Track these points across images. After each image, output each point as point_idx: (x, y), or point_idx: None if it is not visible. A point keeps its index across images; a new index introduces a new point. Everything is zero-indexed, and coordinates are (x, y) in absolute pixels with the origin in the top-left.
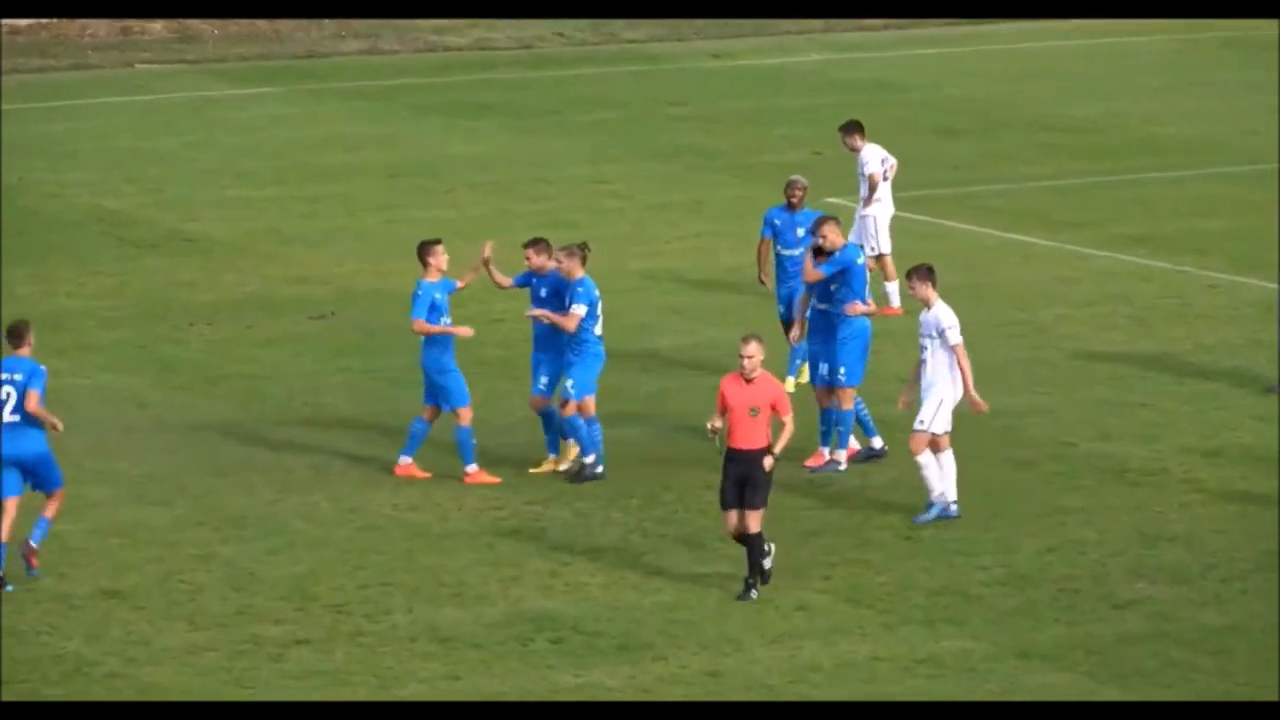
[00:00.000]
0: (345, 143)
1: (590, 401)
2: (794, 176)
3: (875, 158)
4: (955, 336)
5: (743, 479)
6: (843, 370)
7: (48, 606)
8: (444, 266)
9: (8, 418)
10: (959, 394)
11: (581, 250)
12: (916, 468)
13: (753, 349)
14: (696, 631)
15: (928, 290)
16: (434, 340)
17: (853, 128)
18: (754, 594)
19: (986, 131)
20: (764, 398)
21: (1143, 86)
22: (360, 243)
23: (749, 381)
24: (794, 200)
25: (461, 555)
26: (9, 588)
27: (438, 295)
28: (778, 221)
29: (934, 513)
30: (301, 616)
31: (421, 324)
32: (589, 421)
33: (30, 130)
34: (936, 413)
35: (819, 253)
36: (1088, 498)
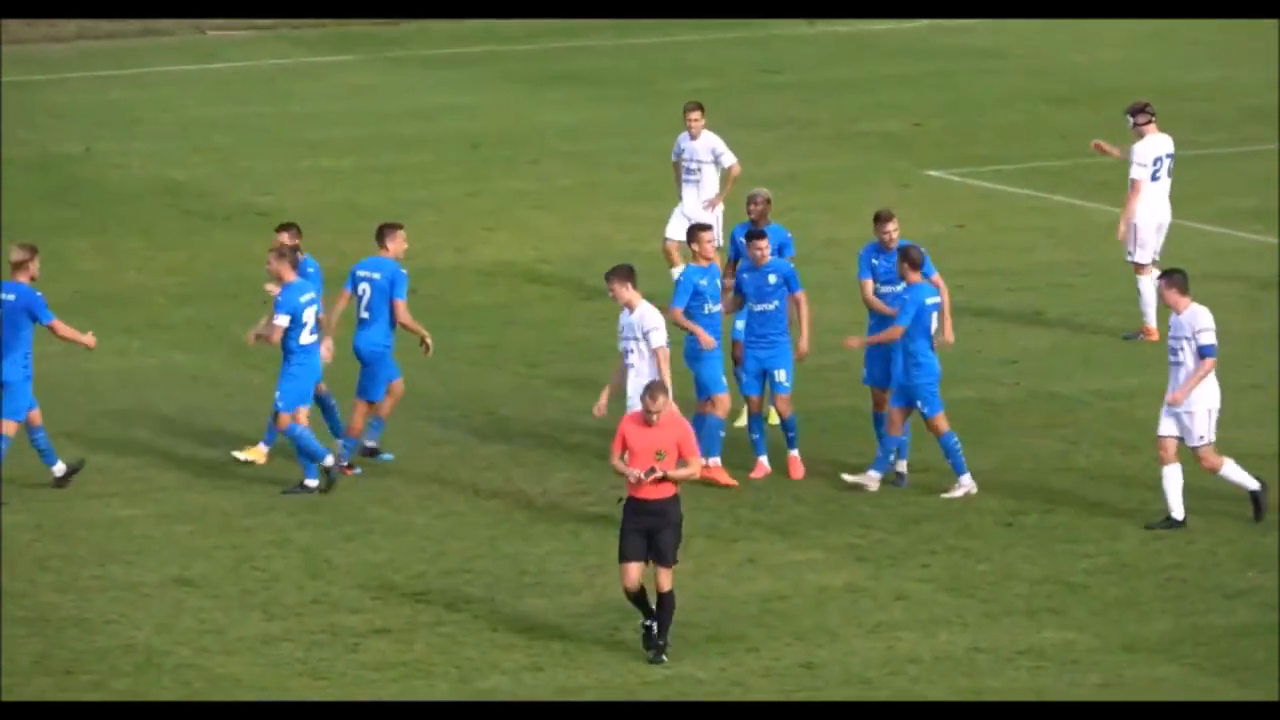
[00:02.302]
0: (425, 112)
1: (303, 413)
2: (756, 190)
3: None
4: (658, 339)
5: (649, 531)
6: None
7: (116, 595)
8: (712, 255)
9: None
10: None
11: (293, 252)
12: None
13: (661, 403)
14: (791, 622)
15: (627, 291)
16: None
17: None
18: (665, 657)
19: (1095, 100)
20: (669, 439)
21: (1259, 54)
22: (440, 216)
23: (651, 425)
24: (753, 216)
25: (545, 543)
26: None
27: (702, 282)
28: (741, 241)
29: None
30: (380, 605)
31: (679, 314)
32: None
33: (96, 99)
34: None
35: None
36: (1195, 482)
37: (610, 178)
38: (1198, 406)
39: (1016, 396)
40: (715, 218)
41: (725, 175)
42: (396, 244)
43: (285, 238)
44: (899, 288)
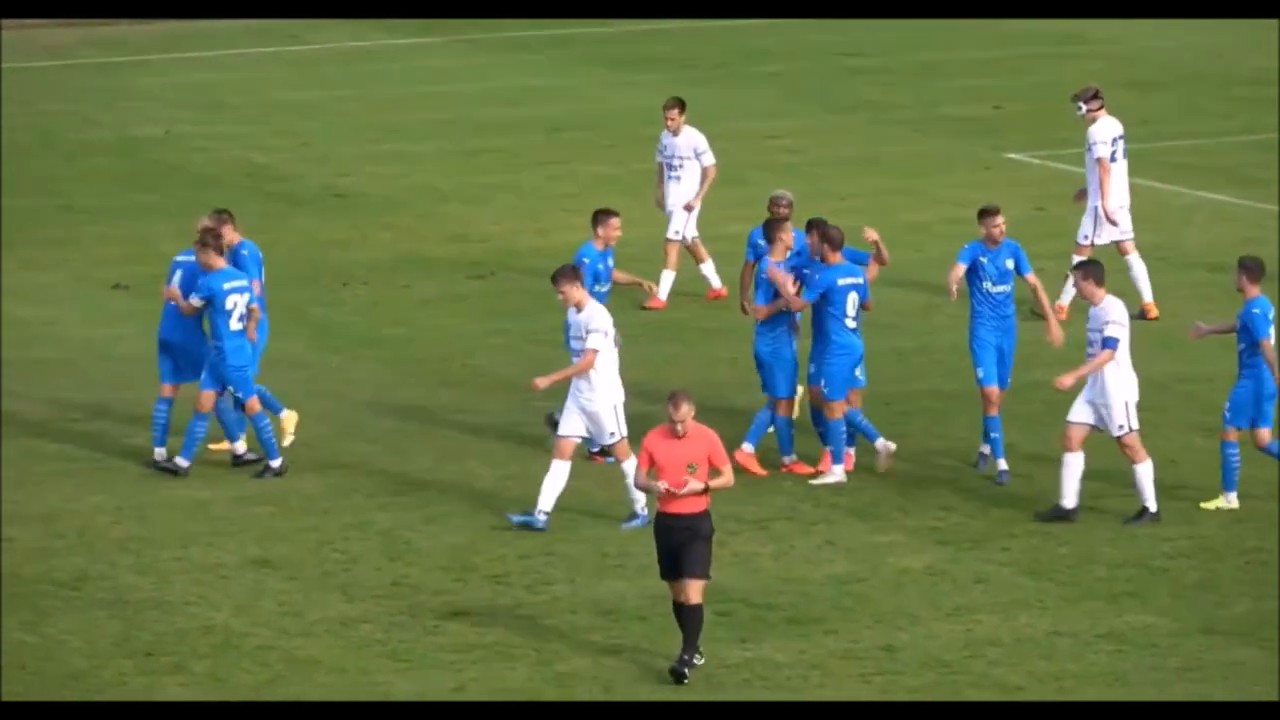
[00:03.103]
0: (506, 95)
1: (255, 401)
2: (778, 192)
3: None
4: (595, 341)
5: (679, 547)
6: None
7: (196, 576)
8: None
9: None
10: (622, 393)
11: (216, 239)
12: (623, 474)
13: (684, 411)
14: (870, 605)
15: (576, 291)
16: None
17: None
18: (688, 671)
19: (1178, 84)
20: (700, 451)
21: None
22: (520, 200)
23: (680, 437)
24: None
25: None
26: None
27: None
28: (761, 243)
29: (637, 523)
30: (460, 587)
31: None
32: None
33: (177, 80)
34: (619, 418)
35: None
36: (1276, 468)
37: None
38: (1114, 399)
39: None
40: (691, 217)
41: (703, 175)
42: (607, 231)
43: (207, 222)
44: (1008, 288)
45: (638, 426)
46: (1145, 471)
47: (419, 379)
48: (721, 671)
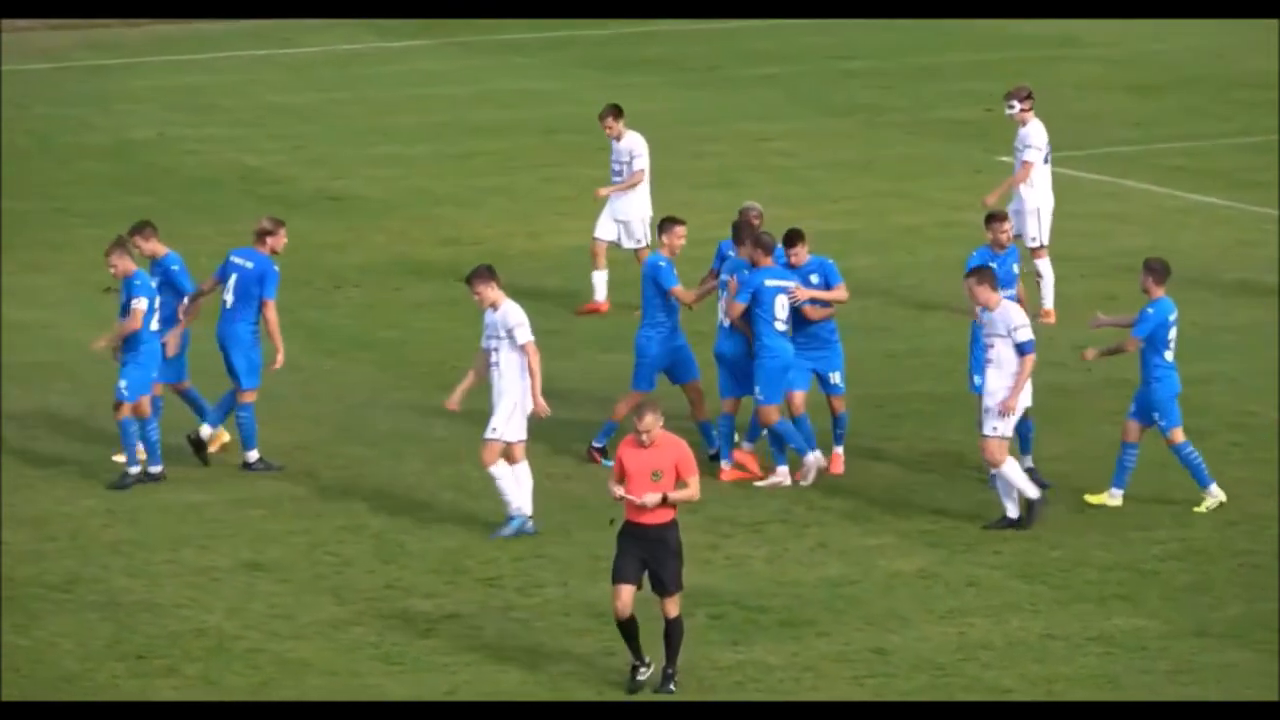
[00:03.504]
0: (500, 98)
1: (145, 402)
2: (748, 204)
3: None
4: (525, 335)
5: (646, 559)
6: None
7: (188, 579)
8: None
9: None
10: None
11: (123, 246)
12: (490, 479)
13: (648, 422)
14: (862, 607)
15: (492, 291)
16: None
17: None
18: (674, 686)
19: (1174, 87)
20: (666, 460)
21: None
22: (514, 203)
23: (646, 446)
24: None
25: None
26: None
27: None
28: (730, 254)
29: (513, 527)
30: (452, 590)
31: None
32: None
33: (172, 83)
34: (510, 419)
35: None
36: (1269, 470)
37: (683, 165)
38: (992, 400)
39: (1089, 383)
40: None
41: (628, 177)
42: (671, 239)
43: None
44: (1013, 292)
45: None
46: (1010, 469)
47: (412, 382)
48: (714, 674)
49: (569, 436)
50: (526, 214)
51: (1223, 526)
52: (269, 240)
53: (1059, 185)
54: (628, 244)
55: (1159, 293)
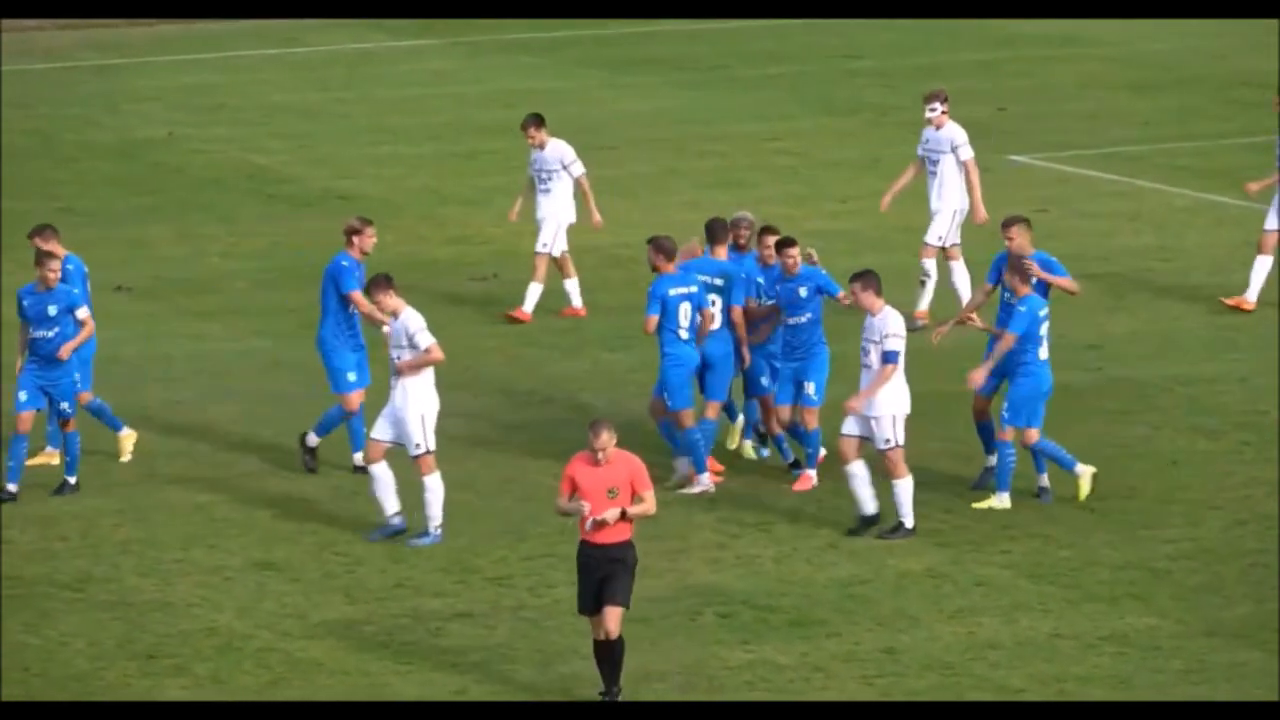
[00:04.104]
0: (506, 98)
1: (84, 395)
2: (740, 214)
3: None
4: (426, 339)
5: (602, 577)
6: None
7: (199, 579)
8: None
9: None
10: (438, 404)
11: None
12: (371, 480)
13: (604, 439)
14: (872, 607)
15: (391, 299)
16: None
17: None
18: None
19: (1180, 86)
20: (622, 477)
21: None
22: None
23: (601, 464)
24: (741, 241)
25: None
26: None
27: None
28: (743, 275)
29: (429, 540)
30: (462, 590)
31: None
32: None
33: (177, 83)
34: (425, 431)
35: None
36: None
37: (688, 164)
38: (884, 411)
39: (1098, 381)
40: (561, 231)
41: (576, 185)
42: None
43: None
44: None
45: (571, 433)
46: (904, 487)
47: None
48: (724, 673)
49: (574, 437)
50: (533, 213)
51: (1233, 526)
52: (356, 240)
53: (1064, 183)
54: (540, 249)
55: (1026, 290)
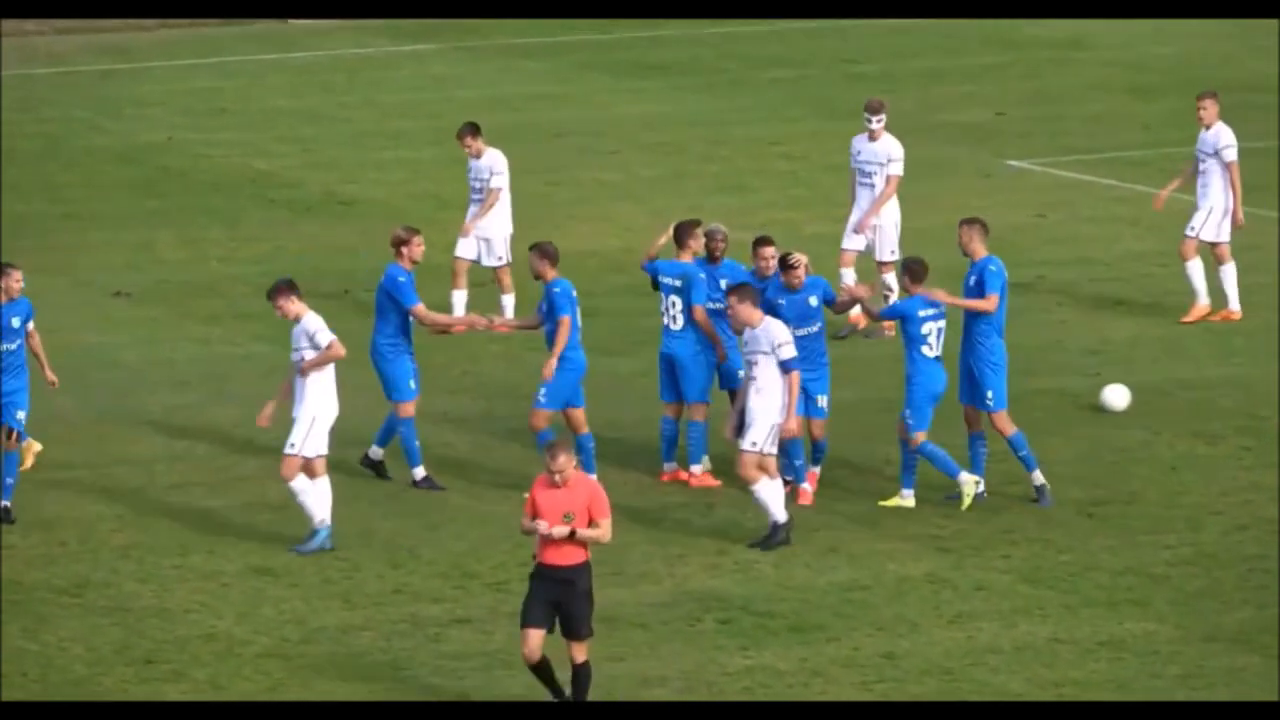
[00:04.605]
0: (508, 102)
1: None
2: (714, 226)
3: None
4: (326, 336)
5: (556, 601)
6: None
7: (197, 584)
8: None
9: None
10: (336, 412)
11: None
12: (291, 494)
13: (561, 462)
14: (872, 612)
15: (293, 304)
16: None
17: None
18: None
19: (1182, 91)
20: (579, 500)
21: None
22: (521, 206)
23: (559, 486)
24: (716, 252)
25: (624, 533)
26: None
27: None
28: (701, 275)
29: (316, 541)
30: (461, 595)
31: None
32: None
33: (181, 88)
34: (309, 434)
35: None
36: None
37: (691, 168)
38: (760, 417)
39: (1099, 386)
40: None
41: (487, 197)
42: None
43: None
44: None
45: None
46: (764, 488)
47: (422, 385)
48: (723, 679)
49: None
50: (535, 217)
51: (1232, 531)
52: (404, 250)
53: (1066, 188)
54: (488, 261)
55: (916, 290)
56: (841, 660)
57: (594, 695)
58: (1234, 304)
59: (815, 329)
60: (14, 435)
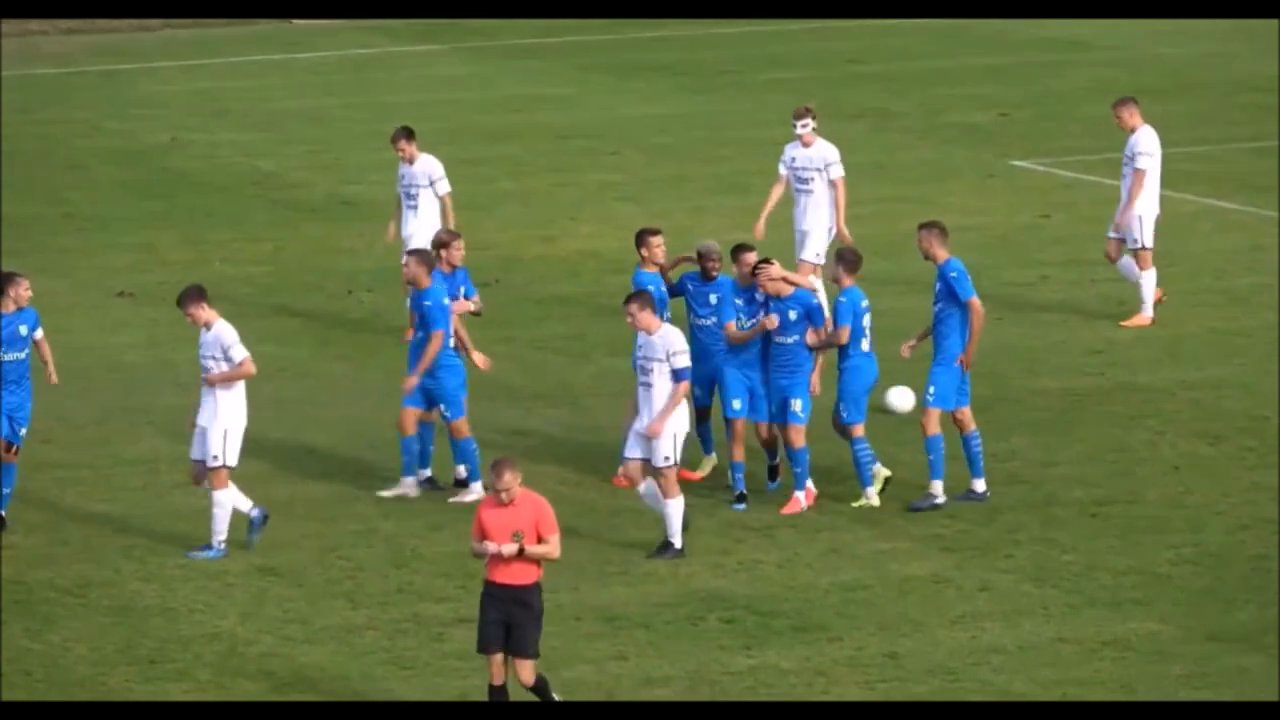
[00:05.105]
0: (513, 103)
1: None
2: (707, 246)
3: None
4: (240, 353)
5: (507, 620)
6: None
7: (201, 584)
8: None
9: None
10: (245, 420)
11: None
12: (212, 503)
13: (506, 480)
14: (875, 612)
15: (204, 312)
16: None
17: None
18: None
19: (1184, 92)
20: (527, 518)
21: None
22: (526, 207)
23: (505, 505)
24: (711, 273)
25: (629, 532)
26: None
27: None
28: (690, 287)
29: (213, 553)
30: (464, 594)
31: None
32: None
33: (184, 88)
34: (226, 445)
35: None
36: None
37: (695, 169)
38: (666, 429)
39: (1102, 387)
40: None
41: (443, 204)
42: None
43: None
44: (711, 321)
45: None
46: (675, 507)
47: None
48: (726, 678)
49: (578, 441)
50: (539, 218)
51: (1235, 530)
52: (443, 253)
53: (1069, 188)
54: None
55: (849, 282)
56: (845, 660)
57: (596, 695)
58: (1148, 310)
59: (792, 340)
60: (13, 449)
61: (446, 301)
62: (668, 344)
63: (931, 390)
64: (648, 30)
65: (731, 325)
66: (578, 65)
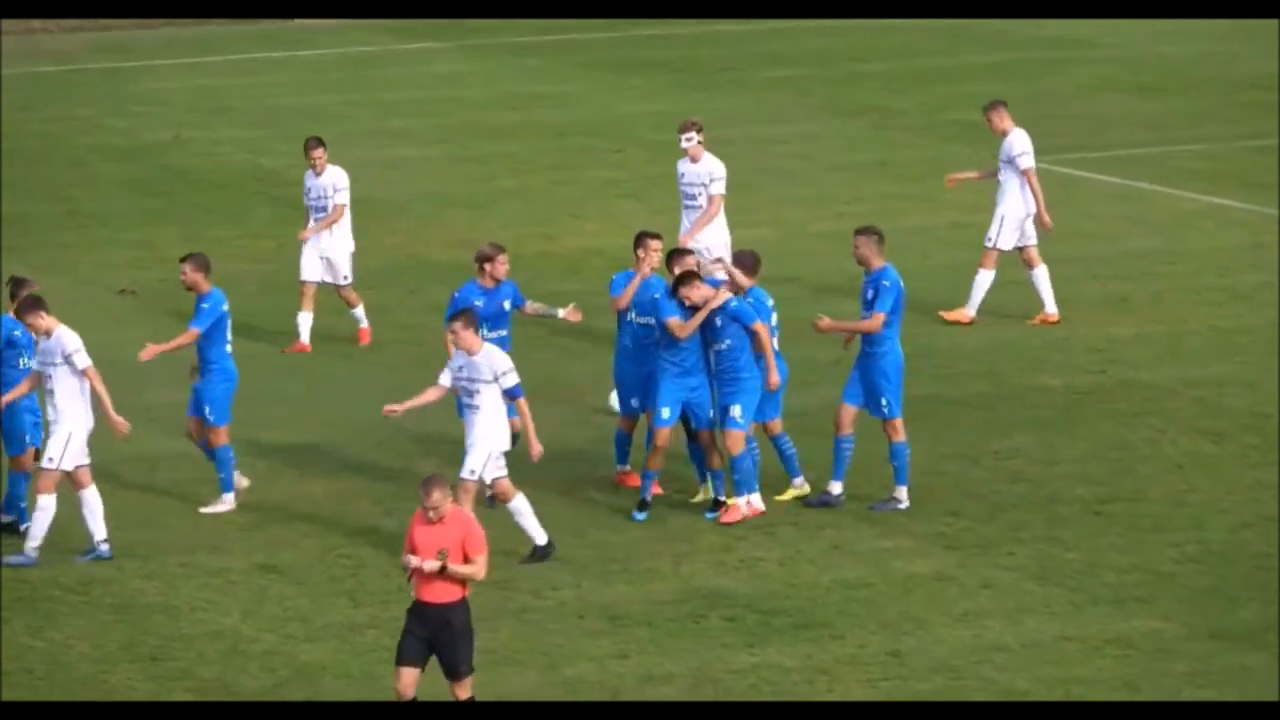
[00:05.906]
0: (512, 101)
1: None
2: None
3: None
4: (83, 360)
5: (434, 642)
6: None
7: (203, 581)
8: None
9: None
10: (91, 424)
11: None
12: (37, 507)
13: (435, 498)
14: (877, 610)
15: (43, 320)
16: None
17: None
18: None
19: (1187, 89)
20: (454, 536)
21: None
22: (526, 205)
23: (433, 523)
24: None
25: (631, 530)
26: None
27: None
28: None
29: (91, 557)
30: None
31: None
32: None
33: (186, 85)
34: (66, 448)
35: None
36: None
37: None
38: (480, 443)
39: (1104, 384)
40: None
41: (331, 212)
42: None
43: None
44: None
45: (577, 436)
46: (519, 507)
47: (424, 384)
48: (728, 676)
49: (580, 440)
50: (540, 216)
51: (1239, 529)
52: (488, 267)
53: (1071, 185)
54: (331, 279)
55: (750, 282)
56: (847, 658)
57: (599, 694)
58: (1050, 307)
59: (725, 346)
60: (36, 453)
61: (225, 307)
62: (493, 365)
63: (885, 402)
64: (648, 28)
65: (674, 320)
66: (578, 62)
